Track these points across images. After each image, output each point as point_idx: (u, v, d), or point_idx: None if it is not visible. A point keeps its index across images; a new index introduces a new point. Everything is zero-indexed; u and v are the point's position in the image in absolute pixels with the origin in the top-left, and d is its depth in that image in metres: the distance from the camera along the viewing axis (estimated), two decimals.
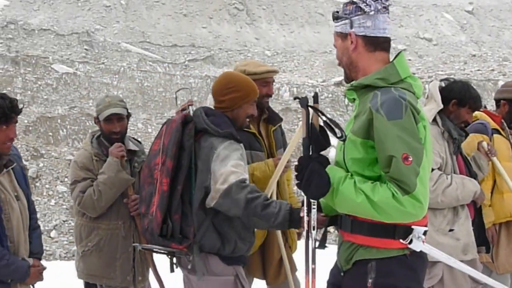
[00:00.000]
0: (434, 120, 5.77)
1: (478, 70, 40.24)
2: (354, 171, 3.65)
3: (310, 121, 3.72)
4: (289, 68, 44.86)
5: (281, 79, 36.15)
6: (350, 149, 3.65)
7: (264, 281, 5.78)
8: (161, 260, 5.93)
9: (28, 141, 25.41)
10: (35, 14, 45.54)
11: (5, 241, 4.65)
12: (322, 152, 3.74)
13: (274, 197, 5.44)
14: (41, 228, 22.06)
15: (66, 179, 23.22)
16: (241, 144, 4.66)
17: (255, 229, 4.85)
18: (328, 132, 3.77)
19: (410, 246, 3.63)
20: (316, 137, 3.69)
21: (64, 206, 22.56)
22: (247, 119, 4.87)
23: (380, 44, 3.75)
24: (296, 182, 3.67)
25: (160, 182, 4.51)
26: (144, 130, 28.81)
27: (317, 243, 3.81)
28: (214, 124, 4.58)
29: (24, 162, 23.72)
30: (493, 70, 39.81)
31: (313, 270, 3.77)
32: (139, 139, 6.63)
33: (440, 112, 5.78)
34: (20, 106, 4.71)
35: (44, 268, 4.88)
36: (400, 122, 3.48)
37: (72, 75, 35.69)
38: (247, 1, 51.71)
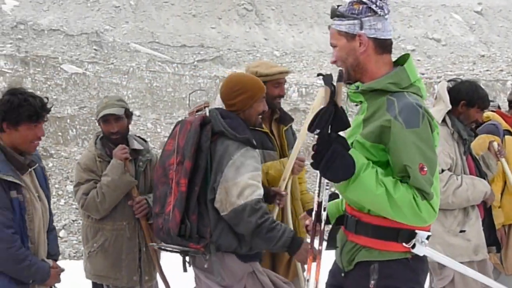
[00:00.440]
0: (444, 121, 5.76)
1: (487, 70, 40.18)
2: None
3: (332, 100, 3.47)
4: (297, 68, 44.82)
5: (289, 79, 36.14)
6: (359, 150, 3.57)
7: None
8: (166, 260, 5.95)
9: None
10: (44, 14, 45.65)
11: (27, 241, 4.63)
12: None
13: (288, 191, 5.45)
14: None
15: None
16: (257, 150, 4.69)
17: None
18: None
19: (413, 250, 3.60)
20: (339, 116, 3.45)
21: (74, 206, 22.61)
22: (259, 116, 4.89)
23: (387, 46, 3.69)
24: (312, 162, 3.45)
25: (176, 182, 4.54)
26: (153, 130, 28.84)
27: (325, 244, 3.76)
28: (231, 127, 4.60)
29: None
30: (502, 70, 39.74)
31: (320, 252, 3.70)
32: (149, 139, 6.63)
33: (449, 113, 5.76)
34: (49, 106, 4.74)
35: (62, 270, 4.84)
36: (418, 130, 3.44)
37: (82, 75, 35.77)
38: (256, 1, 51.71)
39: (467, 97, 5.80)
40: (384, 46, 3.66)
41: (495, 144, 6.34)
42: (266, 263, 5.60)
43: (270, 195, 5.09)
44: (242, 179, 4.46)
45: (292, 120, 5.92)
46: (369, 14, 3.60)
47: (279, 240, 4.38)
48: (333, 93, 3.46)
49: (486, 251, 5.90)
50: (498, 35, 53.32)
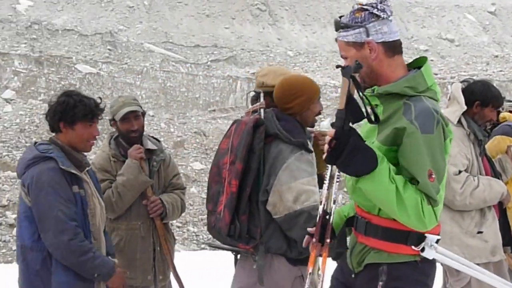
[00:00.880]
0: (459, 122, 5.77)
1: (501, 71, 39.98)
2: None
3: (349, 92, 3.47)
4: (311, 68, 44.73)
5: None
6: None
7: None
8: (180, 260, 5.98)
9: None
10: (58, 14, 45.75)
11: (89, 237, 4.70)
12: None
13: None
14: None
15: None
16: (312, 154, 4.69)
17: None
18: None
19: (422, 254, 3.62)
20: (355, 108, 3.45)
21: None
22: (315, 117, 4.91)
23: (397, 47, 3.70)
24: (327, 156, 3.43)
25: (228, 182, 4.58)
26: (167, 129, 28.84)
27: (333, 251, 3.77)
28: (286, 130, 4.61)
29: None
30: None
31: (327, 245, 3.66)
32: (162, 139, 6.66)
33: (464, 114, 5.77)
34: (102, 106, 4.88)
35: (125, 272, 4.84)
36: (432, 137, 3.46)
37: (96, 75, 35.84)
38: (270, 2, 51.64)
39: (480, 97, 5.81)
40: (394, 48, 3.68)
41: None
42: None
43: None
44: (297, 184, 4.48)
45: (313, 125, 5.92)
46: (373, 19, 3.62)
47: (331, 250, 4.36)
48: (351, 85, 3.45)
49: (503, 252, 5.91)
50: (511, 36, 53.10)
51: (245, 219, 4.54)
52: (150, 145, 5.93)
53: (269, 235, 4.57)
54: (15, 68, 34.22)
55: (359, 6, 3.68)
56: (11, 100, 29.08)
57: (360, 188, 3.55)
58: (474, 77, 6.82)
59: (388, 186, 3.40)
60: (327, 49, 48.76)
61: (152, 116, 30.92)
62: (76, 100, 4.74)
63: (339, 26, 3.74)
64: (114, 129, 6.04)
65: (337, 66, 3.72)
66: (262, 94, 4.90)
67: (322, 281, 3.67)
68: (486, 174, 5.84)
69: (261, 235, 4.56)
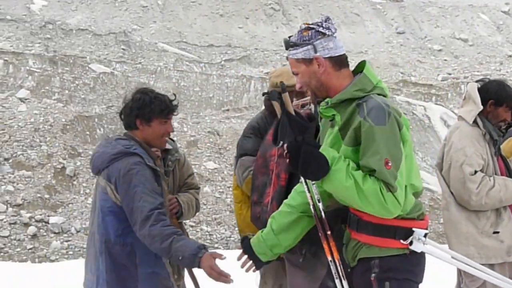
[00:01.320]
0: (475, 122, 5.77)
1: None
2: None
3: (284, 110, 3.98)
4: None
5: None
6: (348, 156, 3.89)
7: None
8: None
9: (66, 140, 25.65)
10: (73, 14, 45.91)
11: None
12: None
13: None
14: (79, 226, 22.24)
15: None
16: None
17: None
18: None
19: (410, 247, 3.91)
20: (295, 120, 3.94)
21: None
22: None
23: (344, 61, 4.05)
24: (290, 167, 3.84)
25: (276, 175, 4.72)
26: (180, 129, 28.87)
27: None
28: None
29: (62, 161, 24.01)
30: None
31: (330, 235, 3.98)
32: (175, 138, 6.67)
33: (479, 114, 5.77)
34: (175, 102, 5.02)
35: (219, 255, 4.39)
36: (384, 128, 3.77)
37: (109, 74, 35.94)
38: (283, 1, 51.64)
39: (495, 96, 5.81)
40: (340, 61, 4.03)
41: None
42: None
43: None
44: None
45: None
46: (319, 37, 3.97)
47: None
48: (283, 104, 3.96)
49: None
50: None
51: None
52: (166, 145, 5.95)
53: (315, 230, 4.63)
54: (29, 68, 34.36)
55: (306, 25, 4.02)
56: (26, 99, 29.20)
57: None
58: (488, 77, 6.82)
59: (346, 183, 3.72)
60: None
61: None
62: (152, 97, 4.83)
63: (289, 45, 4.04)
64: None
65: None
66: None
67: (340, 266, 3.99)
68: (501, 174, 5.83)
69: None
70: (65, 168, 24.03)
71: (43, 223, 21.30)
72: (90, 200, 23.01)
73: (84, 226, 21.51)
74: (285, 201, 4.32)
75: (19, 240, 20.38)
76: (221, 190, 24.50)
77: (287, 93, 4.03)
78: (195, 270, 5.74)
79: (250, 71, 39.71)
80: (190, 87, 36.25)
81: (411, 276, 4.00)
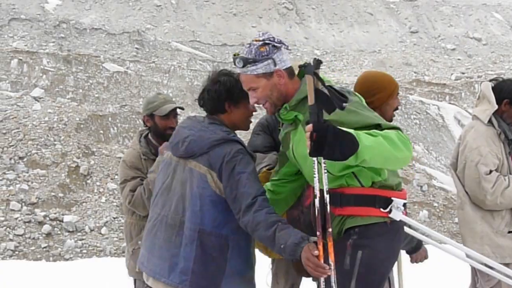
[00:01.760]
0: (490, 121, 5.76)
1: None
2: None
3: (315, 86, 3.92)
4: (338, 67, 44.74)
5: (330, 78, 35.90)
6: None
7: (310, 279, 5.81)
8: None
9: (80, 139, 25.73)
10: (86, 13, 46.07)
11: None
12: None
13: None
14: (92, 224, 22.28)
15: (116, 177, 23.45)
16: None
17: None
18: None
19: (390, 215, 4.08)
20: (326, 100, 3.90)
21: (114, 203, 22.80)
22: (394, 112, 5.17)
23: (293, 71, 4.25)
24: (311, 150, 3.74)
25: None
26: None
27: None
28: None
29: (76, 160, 24.09)
30: None
31: (330, 234, 3.92)
32: None
33: (494, 113, 5.76)
34: None
35: (314, 248, 4.09)
36: (353, 100, 4.15)
37: (123, 74, 36.04)
38: (297, 0, 51.65)
39: (509, 95, 5.78)
40: (292, 71, 4.24)
41: None
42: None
43: None
44: None
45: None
46: (275, 51, 4.17)
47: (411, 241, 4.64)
48: (314, 80, 3.91)
49: None
50: None
51: None
52: None
53: None
54: (43, 67, 34.51)
55: (260, 42, 4.17)
56: (40, 98, 29.31)
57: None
58: (502, 76, 6.75)
59: (377, 139, 3.80)
60: (353, 48, 48.70)
61: (179, 114, 31.04)
62: (236, 78, 4.64)
63: (247, 62, 4.17)
64: (144, 127, 6.06)
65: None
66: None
67: (334, 269, 3.87)
68: None
69: None
70: (79, 167, 24.12)
71: (57, 221, 21.39)
72: (104, 199, 23.10)
73: (97, 225, 21.57)
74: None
75: (33, 238, 20.47)
76: None
77: (319, 70, 4.02)
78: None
79: None
80: None
81: (386, 250, 4.14)
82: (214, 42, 45.06)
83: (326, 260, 3.87)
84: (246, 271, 4.60)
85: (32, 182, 22.86)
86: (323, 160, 3.87)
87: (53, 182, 23.05)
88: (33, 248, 20.06)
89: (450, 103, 36.98)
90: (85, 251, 20.19)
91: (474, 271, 5.97)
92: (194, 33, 45.75)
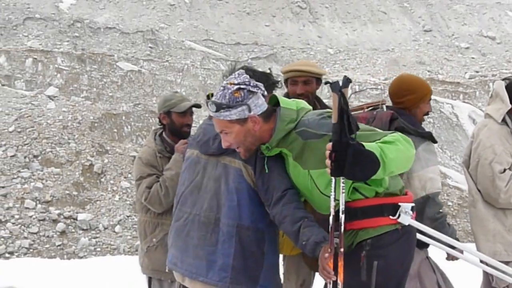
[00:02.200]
0: (503, 120, 5.76)
1: None
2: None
3: (341, 105, 3.79)
4: (351, 66, 44.65)
5: (343, 77, 35.78)
6: (321, 179, 4.03)
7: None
8: None
9: (94, 137, 25.81)
10: (100, 12, 46.17)
11: None
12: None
13: None
14: (106, 223, 22.34)
15: (130, 175, 23.52)
16: (435, 145, 5.10)
17: None
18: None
19: (399, 220, 4.02)
20: (350, 120, 3.77)
21: (128, 202, 22.85)
22: (424, 116, 5.25)
23: (270, 113, 4.14)
24: (331, 169, 3.73)
25: None
26: None
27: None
28: (409, 123, 4.98)
29: (90, 158, 24.17)
30: None
31: (342, 254, 3.87)
32: None
33: (508, 112, 5.76)
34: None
35: (327, 248, 4.16)
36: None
37: (137, 72, 36.12)
38: None
39: None
40: (268, 114, 4.14)
41: None
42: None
43: None
44: (425, 172, 4.89)
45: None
46: (250, 96, 4.06)
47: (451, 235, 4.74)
48: (341, 99, 3.77)
49: None
50: None
51: None
52: None
53: None
54: (58, 66, 34.64)
55: (235, 86, 4.07)
56: (54, 97, 29.43)
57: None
58: None
59: (397, 147, 3.82)
60: (367, 47, 48.60)
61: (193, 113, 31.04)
62: (260, 73, 4.74)
63: (221, 107, 4.07)
64: (159, 125, 6.09)
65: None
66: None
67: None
68: None
69: None
70: (93, 165, 24.19)
71: (72, 219, 21.46)
72: (117, 197, 23.17)
73: (111, 223, 21.64)
74: None
75: (48, 236, 20.55)
76: None
77: (347, 89, 3.88)
78: None
79: (276, 70, 39.61)
80: (217, 85, 36.16)
81: (400, 256, 4.11)
82: (227, 41, 45.08)
83: (335, 273, 3.87)
84: (278, 264, 4.65)
85: (46, 181, 22.95)
86: (341, 180, 3.82)
87: (67, 180, 23.14)
88: (47, 246, 20.14)
89: (464, 102, 36.87)
90: (99, 249, 20.26)
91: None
92: (208, 32, 45.78)
